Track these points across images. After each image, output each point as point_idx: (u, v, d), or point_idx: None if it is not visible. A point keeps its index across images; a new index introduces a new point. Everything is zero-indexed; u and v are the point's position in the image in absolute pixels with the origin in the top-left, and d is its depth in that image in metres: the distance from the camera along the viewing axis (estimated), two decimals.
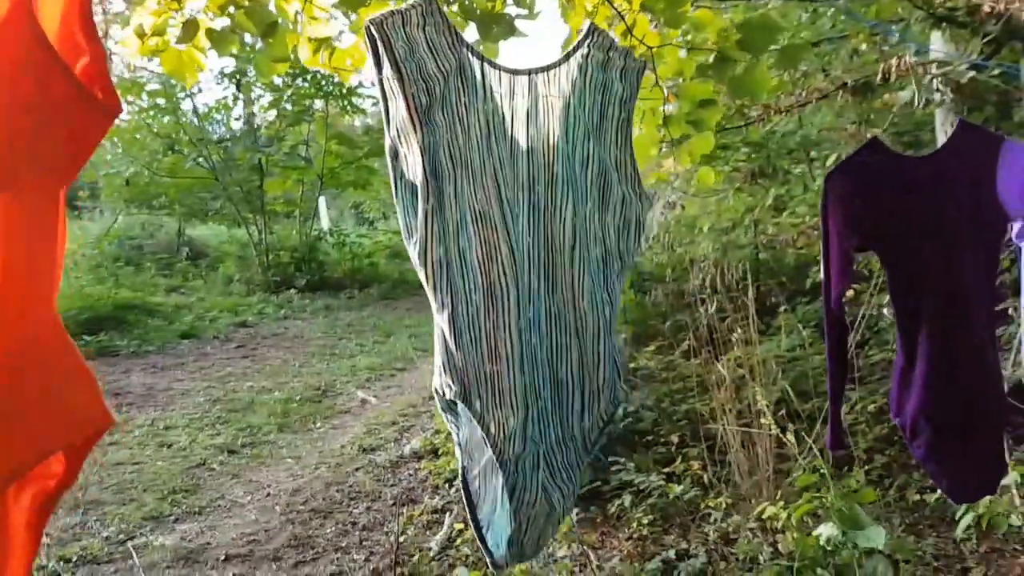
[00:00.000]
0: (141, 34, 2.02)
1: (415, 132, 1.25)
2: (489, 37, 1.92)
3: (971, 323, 1.88)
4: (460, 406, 1.33)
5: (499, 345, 1.31)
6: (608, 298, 1.41)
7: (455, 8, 1.95)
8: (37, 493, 0.88)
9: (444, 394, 1.32)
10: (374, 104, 12.31)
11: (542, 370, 1.38)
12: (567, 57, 1.40)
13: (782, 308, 4.78)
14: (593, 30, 1.41)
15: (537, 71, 1.37)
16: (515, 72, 1.35)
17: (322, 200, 13.59)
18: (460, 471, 1.38)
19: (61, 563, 3.26)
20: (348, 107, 12.47)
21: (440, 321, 1.30)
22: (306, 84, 11.50)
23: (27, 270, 0.80)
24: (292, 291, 11.00)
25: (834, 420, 1.97)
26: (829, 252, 1.91)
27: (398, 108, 1.26)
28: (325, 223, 13.99)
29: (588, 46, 1.40)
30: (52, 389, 0.80)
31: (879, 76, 3.88)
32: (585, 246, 1.39)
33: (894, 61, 3.72)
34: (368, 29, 1.22)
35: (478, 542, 1.40)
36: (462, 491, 1.40)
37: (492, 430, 1.31)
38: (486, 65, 1.32)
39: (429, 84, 1.26)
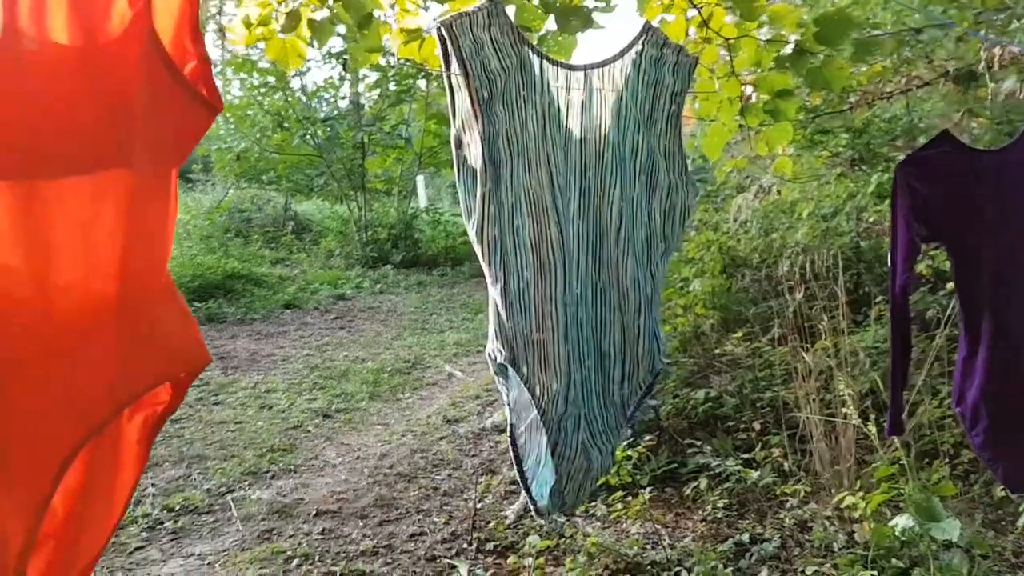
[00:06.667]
0: (248, 24, 2.20)
1: (477, 123, 1.36)
2: (567, 29, 2.00)
3: None
4: (510, 370, 1.44)
5: (546, 317, 1.42)
6: (651, 276, 1.50)
7: (536, 1, 2.04)
8: (148, 416, 1.06)
9: (496, 358, 1.44)
10: None
11: (587, 341, 1.48)
12: (622, 54, 1.49)
13: (877, 299, 4.67)
14: (647, 28, 1.50)
15: (592, 67, 1.47)
16: (572, 68, 1.45)
17: (420, 179, 13.67)
18: (508, 428, 1.50)
19: (164, 511, 3.50)
20: None
21: (493, 293, 1.42)
22: (409, 64, 11.56)
23: (144, 232, 0.97)
24: (388, 267, 11.19)
25: (894, 405, 2.00)
26: (896, 241, 1.94)
27: (463, 101, 1.38)
28: (423, 202, 14.06)
29: (642, 43, 1.49)
30: (164, 331, 0.97)
31: (982, 64, 3.78)
32: (631, 228, 1.49)
33: (997, 50, 3.62)
34: (438, 30, 1.34)
35: (523, 491, 1.52)
36: (510, 446, 1.53)
37: (537, 392, 1.42)
38: (545, 62, 1.43)
39: (491, 79, 1.37)
